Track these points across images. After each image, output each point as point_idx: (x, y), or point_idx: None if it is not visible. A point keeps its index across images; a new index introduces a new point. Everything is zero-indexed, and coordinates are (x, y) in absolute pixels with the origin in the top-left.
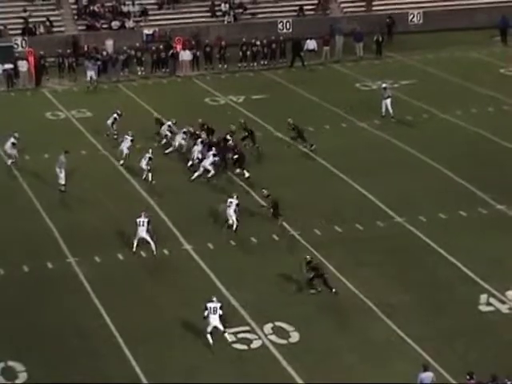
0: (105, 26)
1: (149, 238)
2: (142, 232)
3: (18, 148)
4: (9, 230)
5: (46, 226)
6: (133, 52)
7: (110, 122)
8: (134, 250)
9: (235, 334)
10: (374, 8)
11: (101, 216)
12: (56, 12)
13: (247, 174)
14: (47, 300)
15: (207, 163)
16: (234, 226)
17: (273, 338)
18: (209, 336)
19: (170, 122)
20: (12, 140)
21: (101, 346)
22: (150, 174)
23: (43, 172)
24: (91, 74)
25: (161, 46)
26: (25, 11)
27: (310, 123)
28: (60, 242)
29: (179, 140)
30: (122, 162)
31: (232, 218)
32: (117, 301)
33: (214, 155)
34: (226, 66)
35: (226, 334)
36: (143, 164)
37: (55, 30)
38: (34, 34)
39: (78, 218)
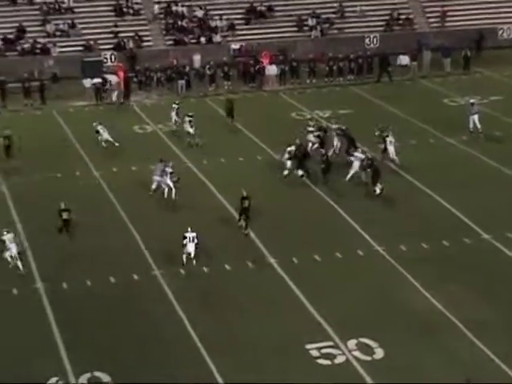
0: (193, 40)
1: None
2: (14, 249)
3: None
4: (96, 241)
5: (133, 237)
6: (220, 67)
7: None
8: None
9: (319, 348)
10: (464, 23)
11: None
12: (146, 27)
13: (378, 191)
14: (132, 311)
15: (356, 165)
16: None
17: (357, 353)
18: (184, 257)
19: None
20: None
21: (185, 357)
22: (174, 191)
23: (130, 184)
24: (115, 94)
25: (248, 61)
26: (116, 26)
27: (397, 138)
28: (145, 254)
29: (335, 142)
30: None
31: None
32: (201, 313)
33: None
34: (313, 80)
35: (194, 262)
36: (168, 179)
37: (144, 44)
38: (123, 48)
39: (163, 231)
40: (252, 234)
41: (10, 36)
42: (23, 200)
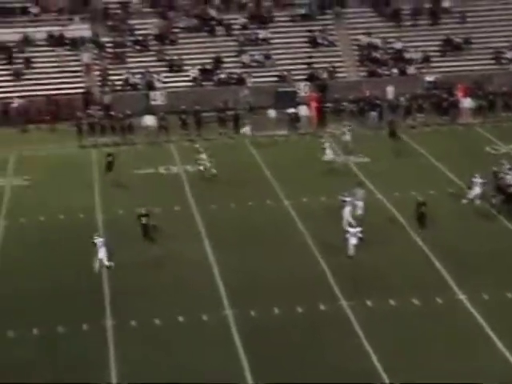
0: (386, 72)
1: (105, 258)
2: (102, 253)
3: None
4: (284, 270)
5: (320, 266)
6: (415, 99)
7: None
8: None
9: None
10: None
11: (374, 258)
12: (340, 58)
13: None
14: (319, 342)
15: None
16: None
17: None
18: (350, 248)
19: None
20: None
21: None
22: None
23: (319, 214)
24: (248, 128)
25: (442, 94)
26: (310, 57)
27: None
28: (332, 284)
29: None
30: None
31: None
32: (389, 347)
33: None
34: (510, 114)
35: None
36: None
37: (337, 75)
38: (316, 79)
39: (352, 261)
40: (439, 267)
41: (208, 66)
42: (216, 226)
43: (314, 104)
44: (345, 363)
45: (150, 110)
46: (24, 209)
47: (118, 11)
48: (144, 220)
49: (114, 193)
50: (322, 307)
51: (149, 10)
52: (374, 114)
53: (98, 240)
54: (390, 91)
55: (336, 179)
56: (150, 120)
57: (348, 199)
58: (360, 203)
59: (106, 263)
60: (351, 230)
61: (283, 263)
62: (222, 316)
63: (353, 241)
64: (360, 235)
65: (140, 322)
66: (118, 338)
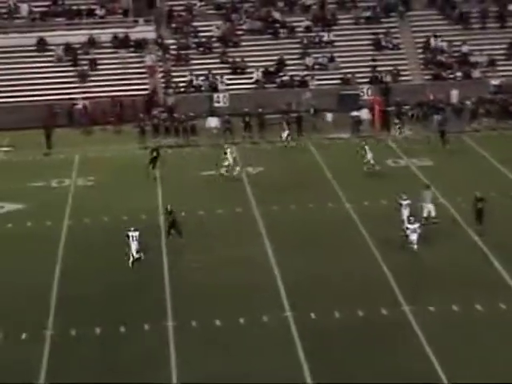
0: (450, 75)
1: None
2: (134, 246)
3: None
4: (345, 273)
5: (381, 269)
6: (481, 103)
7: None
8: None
9: None
10: None
11: (435, 260)
12: (404, 61)
13: None
14: (380, 347)
15: None
16: None
17: None
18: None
19: None
20: None
21: None
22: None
23: (380, 217)
24: (286, 133)
25: (508, 98)
26: (374, 60)
27: None
28: (394, 287)
29: None
30: None
31: None
32: (451, 355)
33: None
34: None
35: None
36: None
37: (401, 79)
38: (379, 82)
39: (415, 264)
40: (500, 269)
41: (271, 69)
42: (277, 228)
43: (376, 107)
44: (405, 369)
45: (214, 112)
46: (88, 209)
47: (183, 13)
48: (170, 218)
49: (177, 194)
50: (384, 312)
51: (213, 12)
52: (437, 117)
53: (133, 234)
54: (455, 95)
55: (398, 182)
56: (213, 122)
57: (405, 202)
58: (430, 205)
59: (136, 255)
60: (410, 226)
61: (344, 266)
62: (283, 318)
63: (413, 236)
64: (419, 231)
65: (201, 322)
66: (179, 338)
